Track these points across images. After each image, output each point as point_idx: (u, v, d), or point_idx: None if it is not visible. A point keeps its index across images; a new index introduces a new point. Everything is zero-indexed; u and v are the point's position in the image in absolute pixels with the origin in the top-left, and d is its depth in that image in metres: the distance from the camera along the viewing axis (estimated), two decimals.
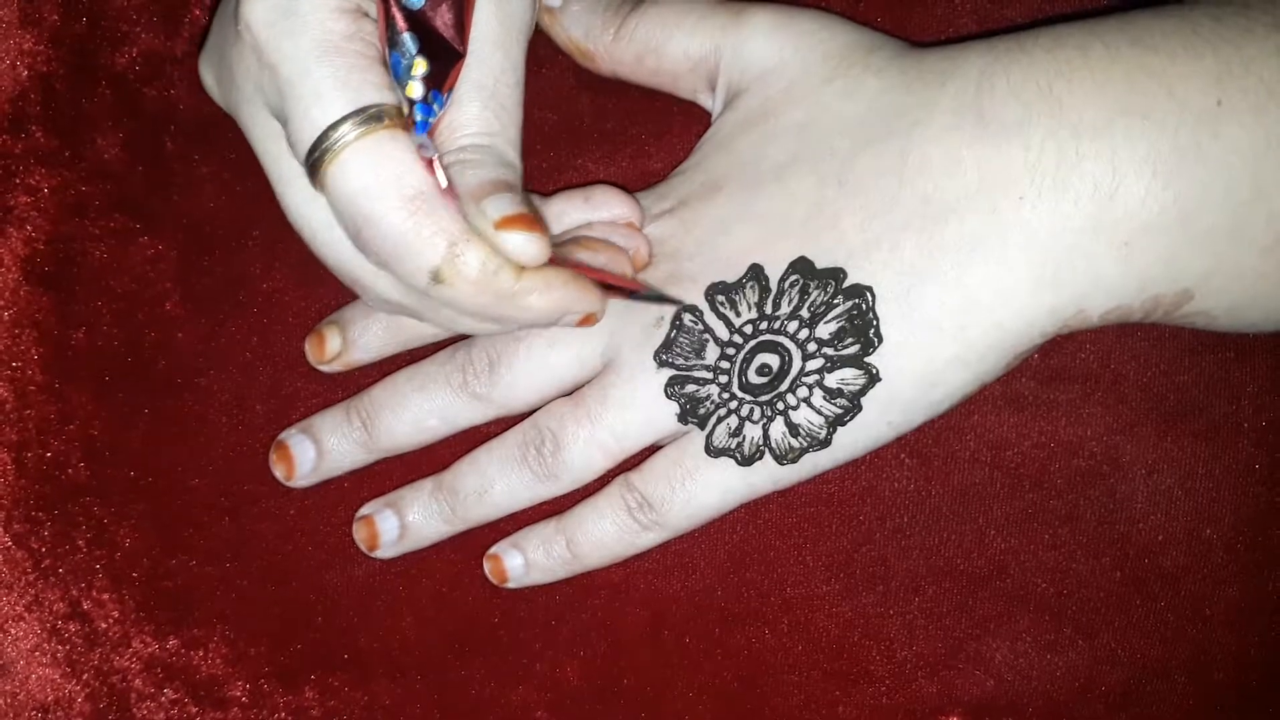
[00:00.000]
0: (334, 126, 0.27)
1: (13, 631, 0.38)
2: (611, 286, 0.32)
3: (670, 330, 0.33)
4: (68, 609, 0.38)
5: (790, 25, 0.33)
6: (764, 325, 0.32)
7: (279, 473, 0.37)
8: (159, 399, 0.38)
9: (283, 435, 0.37)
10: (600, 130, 0.38)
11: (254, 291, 0.38)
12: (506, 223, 0.28)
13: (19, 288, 0.38)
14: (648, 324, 0.34)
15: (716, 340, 0.33)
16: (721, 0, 0.34)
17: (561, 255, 0.30)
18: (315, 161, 0.27)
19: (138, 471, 0.38)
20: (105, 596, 0.38)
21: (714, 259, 0.33)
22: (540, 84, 0.37)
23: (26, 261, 0.38)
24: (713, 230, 0.33)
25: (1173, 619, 0.36)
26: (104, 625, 0.38)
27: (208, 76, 0.32)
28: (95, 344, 0.38)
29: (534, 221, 0.28)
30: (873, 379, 0.31)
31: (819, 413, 0.32)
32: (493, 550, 0.37)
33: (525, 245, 0.28)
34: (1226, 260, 0.29)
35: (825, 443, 0.32)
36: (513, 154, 0.30)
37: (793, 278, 0.32)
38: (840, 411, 0.32)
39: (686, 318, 0.33)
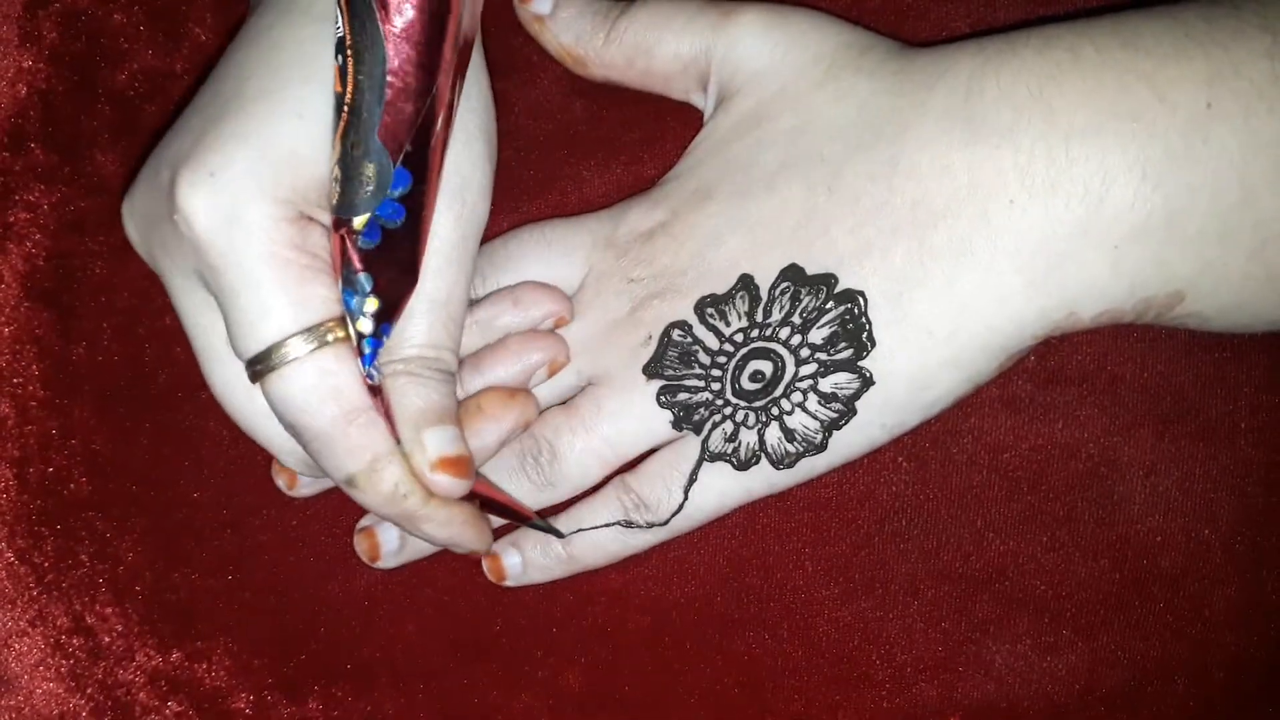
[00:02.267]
0: (280, 343, 0.28)
1: (17, 646, 0.38)
2: (511, 512, 0.34)
3: (659, 345, 0.33)
4: (71, 623, 0.38)
5: (782, 26, 0.33)
6: (755, 333, 0.32)
7: (280, 483, 0.37)
8: (160, 413, 0.38)
9: None
10: (594, 137, 0.38)
11: None
12: (443, 464, 0.30)
13: (19, 304, 0.38)
14: (635, 344, 0.34)
15: (706, 350, 0.33)
16: (712, 0, 0.35)
17: (479, 484, 0.33)
18: (258, 370, 0.29)
19: (139, 485, 0.38)
20: (109, 610, 0.38)
21: (705, 272, 0.33)
22: (533, 92, 0.38)
23: (27, 278, 0.38)
24: (704, 243, 0.33)
25: (1172, 620, 0.36)
26: (108, 639, 0.38)
27: (131, 229, 0.32)
28: (96, 359, 0.38)
29: (467, 467, 0.31)
30: (866, 383, 0.32)
31: (814, 417, 0.32)
32: (491, 550, 0.37)
33: (451, 487, 0.30)
34: (1215, 263, 0.29)
35: (821, 447, 0.32)
36: (455, 364, 0.32)
37: (783, 285, 0.32)
38: (835, 415, 0.32)
39: (675, 332, 0.33)
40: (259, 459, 0.38)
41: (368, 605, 0.38)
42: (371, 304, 0.29)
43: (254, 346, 0.29)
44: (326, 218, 0.29)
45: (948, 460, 0.37)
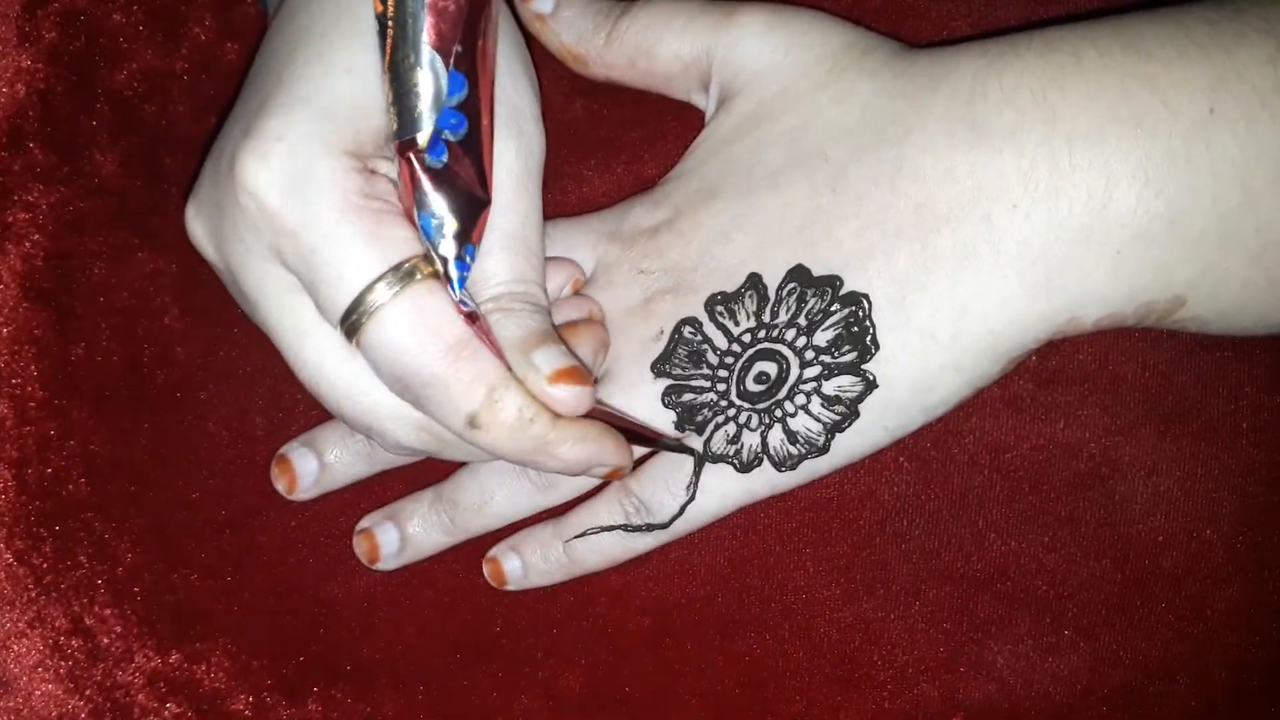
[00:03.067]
0: (369, 288, 0.28)
1: (15, 648, 0.38)
2: (637, 435, 0.32)
3: (669, 342, 0.33)
4: (70, 625, 0.38)
5: (783, 26, 0.33)
6: (762, 334, 0.32)
7: (280, 485, 0.37)
8: (159, 413, 0.38)
9: (284, 449, 0.37)
10: (595, 136, 0.38)
11: None
12: (559, 376, 0.29)
13: (18, 304, 0.38)
14: (646, 338, 0.34)
15: (715, 350, 0.33)
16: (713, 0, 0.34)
17: (596, 408, 0.31)
18: (353, 323, 0.28)
19: (138, 486, 0.38)
20: (107, 612, 0.38)
21: (714, 269, 0.33)
22: None
23: (25, 278, 0.38)
24: (711, 240, 0.33)
25: (1173, 620, 0.36)
26: (106, 640, 0.38)
27: (198, 229, 0.31)
28: (95, 359, 0.38)
29: (584, 375, 0.29)
30: (870, 386, 0.32)
31: (817, 420, 0.32)
32: (491, 553, 0.37)
33: (575, 398, 0.29)
34: (1216, 267, 0.29)
35: (823, 449, 0.32)
36: (544, 298, 0.31)
37: (790, 286, 0.32)
38: (838, 418, 0.32)
39: (686, 329, 0.33)
40: (258, 460, 0.38)
41: (367, 606, 0.38)
42: (451, 224, 0.28)
43: (343, 299, 0.28)
44: (391, 169, 0.29)
45: (949, 460, 0.37)
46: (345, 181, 0.28)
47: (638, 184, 0.37)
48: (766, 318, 0.32)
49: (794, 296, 0.32)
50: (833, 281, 0.31)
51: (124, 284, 0.38)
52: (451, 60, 0.27)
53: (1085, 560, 0.36)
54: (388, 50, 0.27)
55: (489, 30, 0.29)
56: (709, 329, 0.33)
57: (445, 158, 0.28)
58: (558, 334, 0.31)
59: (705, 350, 0.33)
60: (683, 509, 0.34)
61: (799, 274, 0.32)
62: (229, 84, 0.38)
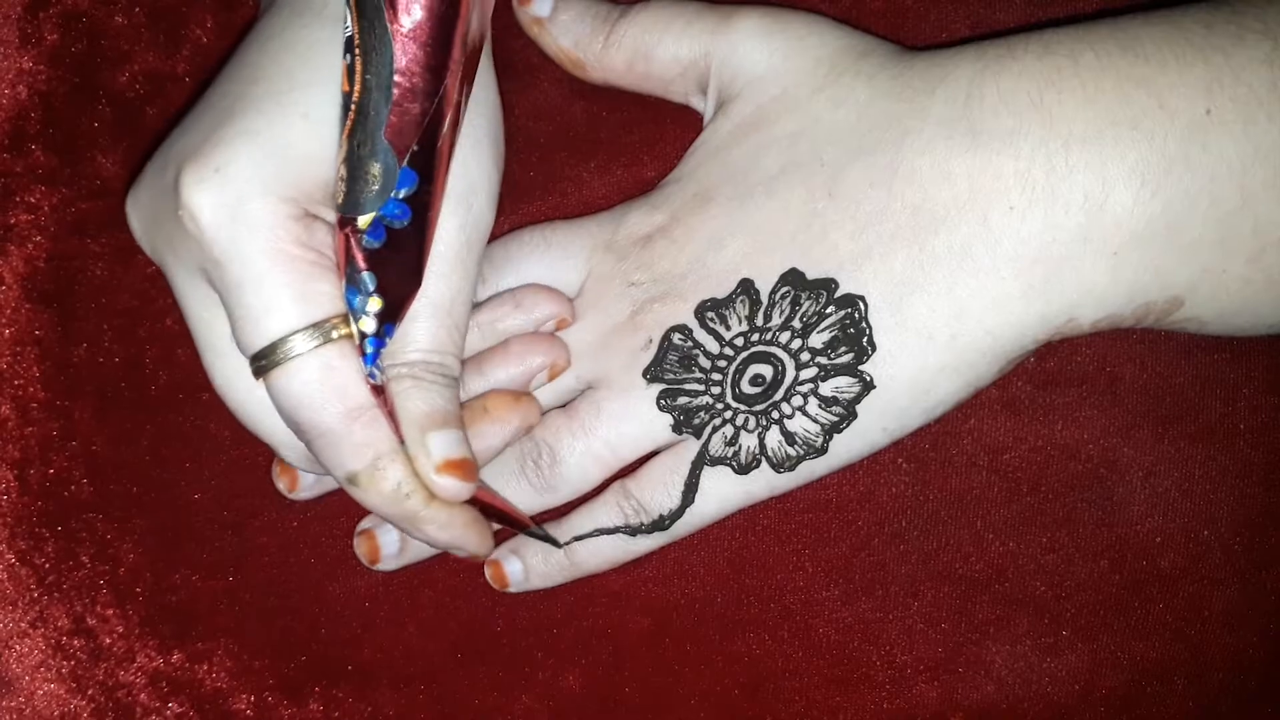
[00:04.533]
0: (285, 338, 0.28)
1: (18, 648, 0.38)
2: (507, 518, 0.34)
3: (659, 349, 0.33)
4: (72, 624, 0.38)
5: (781, 30, 0.33)
6: (755, 337, 0.33)
7: (281, 485, 0.37)
8: (161, 414, 0.38)
9: None
10: (594, 139, 0.38)
11: None
12: (448, 466, 0.30)
13: (20, 305, 0.38)
14: (636, 347, 0.34)
15: (707, 354, 0.33)
16: (711, 1, 0.34)
17: (480, 490, 0.32)
18: (263, 365, 0.29)
19: (140, 487, 0.38)
20: (109, 612, 0.38)
21: (706, 275, 0.33)
22: (532, 94, 0.38)
23: (27, 279, 0.38)
24: (704, 246, 0.33)
25: (1171, 620, 0.36)
26: (108, 640, 0.38)
27: (135, 223, 0.32)
28: (96, 361, 0.38)
29: (471, 470, 0.30)
30: (867, 387, 0.32)
31: (814, 421, 0.32)
32: (493, 555, 0.37)
33: (456, 490, 0.30)
34: (1214, 269, 0.29)
35: (821, 450, 0.32)
36: (458, 369, 0.32)
37: (783, 289, 0.32)
38: (836, 419, 0.32)
39: (675, 336, 0.33)
40: (260, 461, 0.38)
41: (368, 607, 0.38)
42: (375, 303, 0.29)
43: (258, 341, 0.29)
44: (332, 216, 0.30)
45: (947, 462, 0.37)
46: (279, 227, 0.28)
47: (637, 186, 0.37)
48: (759, 321, 0.32)
49: (787, 300, 0.32)
50: (828, 284, 0.31)
51: (126, 285, 0.38)
52: (406, 158, 0.28)
53: (1083, 561, 0.36)
54: (347, 128, 0.28)
55: (453, 128, 0.29)
56: (699, 335, 0.33)
57: (383, 241, 0.29)
58: (460, 412, 0.32)
59: (696, 355, 0.33)
60: (681, 511, 0.34)
61: (792, 278, 0.32)
62: None
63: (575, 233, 0.36)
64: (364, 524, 0.37)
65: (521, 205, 0.38)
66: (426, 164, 0.28)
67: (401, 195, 0.28)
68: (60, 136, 0.38)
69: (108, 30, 0.38)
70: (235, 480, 0.38)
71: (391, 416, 0.30)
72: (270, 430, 0.31)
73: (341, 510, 0.38)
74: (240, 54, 0.31)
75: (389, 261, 0.29)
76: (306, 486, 0.37)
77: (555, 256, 0.35)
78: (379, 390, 0.30)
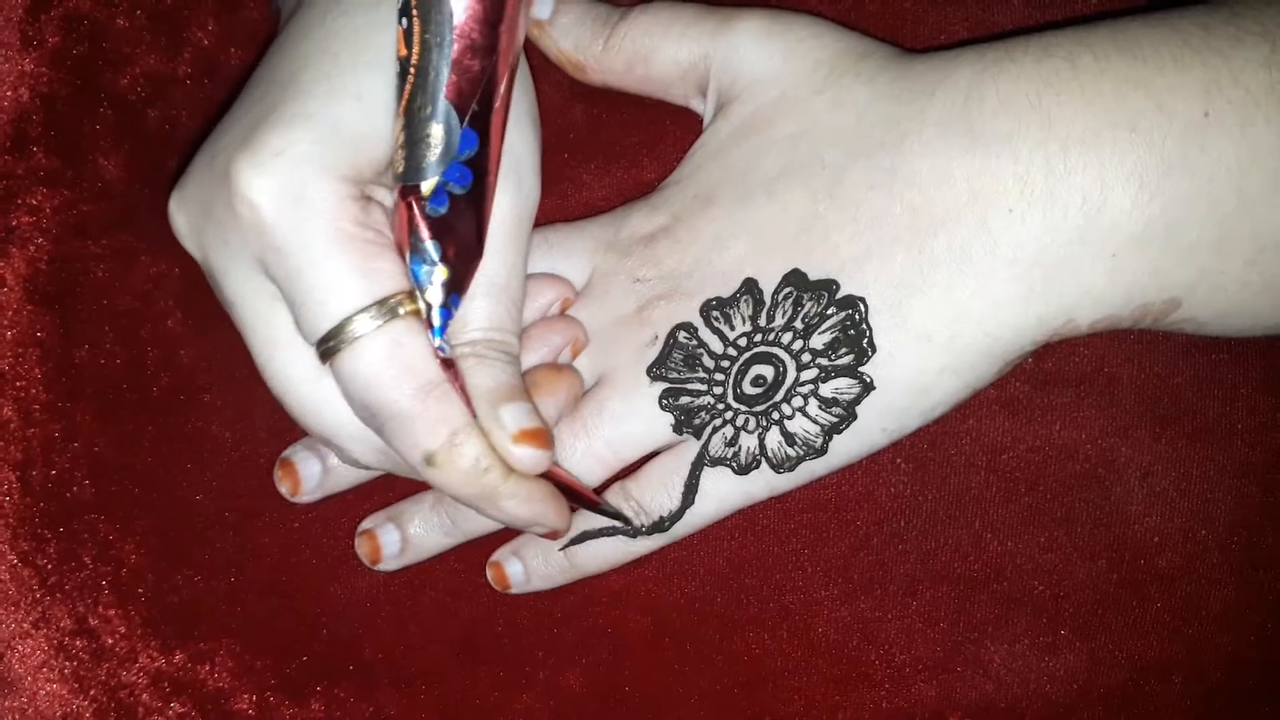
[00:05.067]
0: (352, 317, 0.28)
1: (20, 648, 0.38)
2: (580, 498, 0.33)
3: (664, 346, 0.33)
4: (74, 625, 0.38)
5: (781, 32, 0.33)
6: (758, 338, 0.33)
7: (284, 489, 0.37)
8: (162, 416, 0.38)
9: (287, 452, 0.37)
10: (594, 141, 0.38)
11: None
12: (524, 436, 0.30)
13: (22, 307, 0.38)
14: (641, 344, 0.34)
15: (711, 354, 0.33)
16: (711, 3, 0.35)
17: (554, 469, 0.32)
18: (330, 348, 0.28)
19: (142, 488, 0.38)
20: (111, 612, 0.38)
21: (709, 275, 0.33)
22: None
23: (29, 281, 0.38)
24: (707, 246, 0.33)
25: (1169, 620, 0.36)
26: (110, 640, 0.38)
27: (181, 223, 0.31)
28: (98, 362, 0.38)
29: (547, 438, 0.30)
30: (867, 388, 0.32)
31: (814, 421, 0.32)
32: (494, 557, 0.37)
33: (534, 460, 0.30)
34: (1212, 271, 0.29)
35: (821, 451, 0.33)
36: (517, 345, 0.32)
37: (786, 290, 0.32)
38: (835, 420, 0.32)
39: (681, 334, 0.33)
40: (261, 462, 0.38)
41: (369, 607, 0.38)
42: (441, 273, 0.28)
43: (324, 324, 0.28)
44: (387, 197, 0.29)
45: (945, 461, 0.37)
46: (340, 207, 0.28)
47: (637, 188, 0.37)
48: (762, 322, 0.33)
49: (790, 300, 0.32)
50: (829, 285, 0.32)
51: (127, 287, 0.38)
52: (467, 118, 0.28)
53: (1081, 560, 0.36)
54: (405, 95, 0.28)
55: (508, 90, 0.29)
56: (704, 333, 0.33)
57: (446, 208, 0.28)
58: (526, 391, 0.31)
59: (700, 354, 0.33)
60: (681, 512, 0.34)
61: (795, 278, 0.32)
62: (231, 89, 0.38)
63: (576, 234, 0.36)
64: (365, 524, 0.37)
65: None
66: (484, 125, 0.28)
67: (464, 158, 0.28)
68: (62, 139, 0.38)
69: (109, 32, 0.38)
70: (237, 481, 0.38)
71: (463, 391, 0.29)
72: (333, 424, 0.31)
73: (343, 511, 0.38)
74: (279, 47, 0.31)
75: (453, 229, 0.28)
76: (309, 491, 0.37)
77: (557, 257, 0.35)
78: (449, 364, 0.29)
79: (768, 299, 0.32)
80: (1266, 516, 0.36)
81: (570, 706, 0.38)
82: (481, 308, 0.30)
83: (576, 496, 0.33)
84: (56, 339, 0.38)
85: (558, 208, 0.38)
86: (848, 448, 0.33)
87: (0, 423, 0.38)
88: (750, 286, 0.33)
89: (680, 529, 0.34)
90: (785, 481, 0.33)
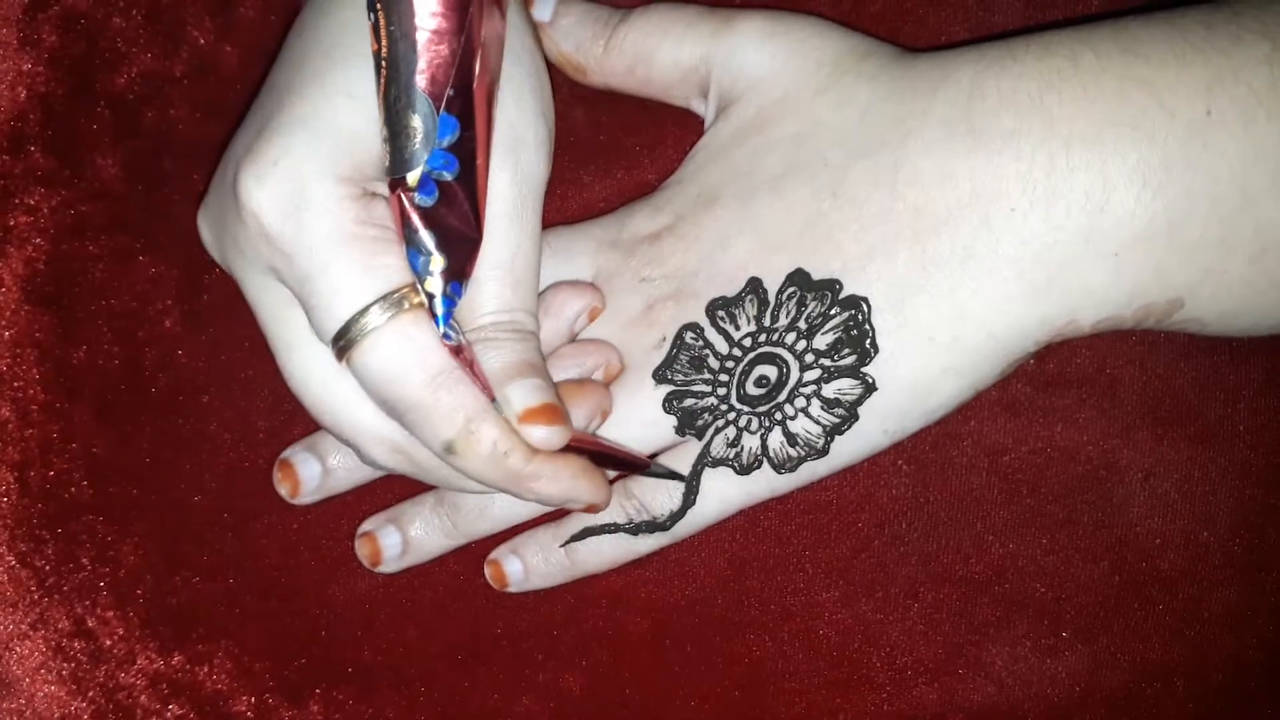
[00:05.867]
0: (360, 313, 0.28)
1: (18, 649, 0.38)
2: (622, 462, 0.33)
3: (671, 348, 0.33)
4: (72, 626, 0.38)
5: (782, 33, 0.33)
6: (763, 338, 0.33)
7: (283, 490, 0.37)
8: (160, 417, 0.38)
9: (286, 453, 0.37)
10: (595, 143, 0.38)
11: None
12: (530, 415, 0.30)
13: (19, 307, 0.38)
14: (648, 345, 0.34)
15: (716, 355, 0.33)
16: (711, 4, 0.34)
17: (578, 436, 0.31)
18: (344, 345, 0.29)
19: (140, 489, 0.38)
20: (110, 614, 0.38)
21: (715, 274, 0.33)
22: None
23: (27, 281, 0.38)
24: (712, 245, 0.33)
25: (1171, 622, 0.36)
26: (109, 642, 0.38)
27: (207, 234, 0.32)
28: (96, 363, 0.38)
29: (557, 413, 0.30)
30: (869, 389, 0.32)
31: (817, 422, 0.32)
32: (493, 555, 0.37)
33: (545, 437, 0.30)
34: (1215, 269, 0.29)
35: (823, 452, 0.33)
36: (532, 322, 0.31)
37: (790, 289, 0.32)
38: (837, 421, 0.32)
39: (688, 335, 0.33)
40: (260, 463, 0.38)
41: (369, 609, 0.38)
42: (438, 261, 0.28)
43: (333, 324, 0.28)
44: (386, 189, 0.29)
45: (947, 463, 0.37)
46: (340, 208, 0.28)
47: (638, 189, 0.37)
48: (767, 321, 0.33)
49: (794, 300, 0.32)
50: (832, 285, 0.32)
51: (125, 288, 0.38)
52: (443, 104, 0.28)
53: (1083, 562, 0.36)
54: (381, 88, 0.28)
55: (485, 70, 0.29)
56: (710, 334, 0.33)
57: (435, 197, 0.28)
58: (543, 361, 0.31)
59: (706, 355, 0.33)
60: (682, 511, 0.34)
61: (799, 278, 0.32)
62: (228, 88, 0.38)
63: (578, 235, 0.36)
64: (365, 526, 0.37)
65: None
66: (464, 108, 0.28)
67: (445, 144, 0.28)
68: (59, 138, 0.38)
69: (106, 32, 0.38)
70: (235, 482, 0.38)
71: (479, 377, 0.29)
72: (354, 423, 0.31)
73: (343, 512, 0.38)
74: (284, 48, 0.31)
75: (445, 217, 0.28)
76: (308, 492, 0.37)
77: (559, 260, 0.35)
78: (457, 350, 0.29)
79: (772, 298, 0.32)
80: (1269, 518, 0.36)
81: (570, 709, 0.38)
82: (489, 291, 0.30)
83: (622, 462, 0.33)
84: (54, 339, 0.38)
85: (558, 209, 0.38)
86: (850, 449, 0.33)
87: None
88: (755, 286, 0.33)
89: (682, 529, 0.34)
90: (787, 482, 0.33)
